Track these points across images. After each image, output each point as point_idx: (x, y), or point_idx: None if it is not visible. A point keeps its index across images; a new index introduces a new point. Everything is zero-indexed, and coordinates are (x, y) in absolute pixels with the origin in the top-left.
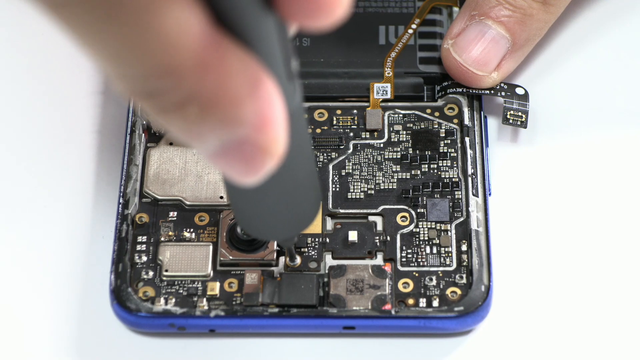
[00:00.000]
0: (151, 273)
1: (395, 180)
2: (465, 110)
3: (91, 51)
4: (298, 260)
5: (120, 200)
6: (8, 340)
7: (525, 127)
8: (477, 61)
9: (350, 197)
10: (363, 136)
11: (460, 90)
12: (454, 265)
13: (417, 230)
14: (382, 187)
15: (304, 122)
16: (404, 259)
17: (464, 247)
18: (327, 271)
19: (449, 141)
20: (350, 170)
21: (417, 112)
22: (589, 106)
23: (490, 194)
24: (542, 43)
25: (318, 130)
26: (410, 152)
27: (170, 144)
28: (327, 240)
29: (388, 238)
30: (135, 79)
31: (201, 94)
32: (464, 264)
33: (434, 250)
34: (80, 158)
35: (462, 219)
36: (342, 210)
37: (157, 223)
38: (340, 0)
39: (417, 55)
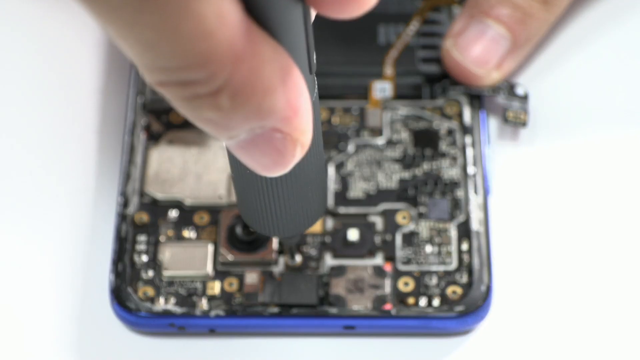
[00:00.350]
0: (151, 273)
1: (395, 180)
2: (466, 109)
3: (125, 42)
4: (298, 259)
5: (120, 200)
6: (8, 339)
7: (526, 127)
8: (477, 60)
9: (350, 196)
10: (363, 135)
11: (461, 89)
12: (455, 265)
13: (418, 229)
14: (382, 187)
15: (319, 117)
16: (404, 259)
17: (464, 247)
18: (327, 271)
19: (449, 140)
20: (350, 170)
21: (417, 111)
22: (589, 106)
23: (490, 193)
24: (543, 42)
25: None
26: (411, 151)
27: (170, 143)
28: (328, 239)
29: (388, 237)
30: (170, 70)
31: (234, 83)
32: (465, 263)
33: (434, 250)
34: (80, 158)
35: (462, 219)
36: (342, 210)
37: (157, 223)
38: None
39: (417, 54)
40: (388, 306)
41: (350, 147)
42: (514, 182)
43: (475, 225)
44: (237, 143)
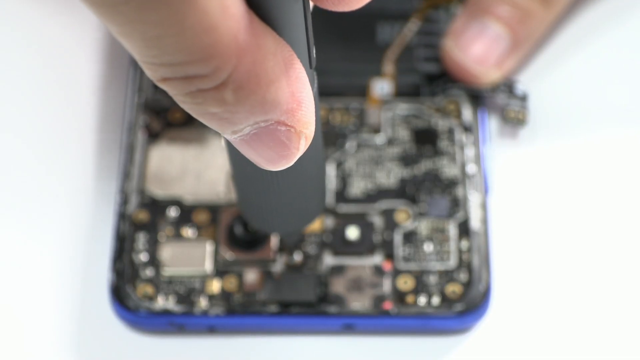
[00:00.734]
0: (150, 271)
1: (395, 178)
2: (465, 108)
3: (128, 39)
4: (298, 258)
5: (119, 199)
6: (8, 338)
7: (525, 126)
8: (477, 59)
9: (349, 194)
10: (362, 134)
11: (460, 88)
12: (454, 264)
13: (417, 228)
14: (381, 185)
15: (319, 112)
16: (403, 257)
17: (463, 245)
18: (326, 269)
19: (449, 139)
20: (350, 168)
21: (416, 110)
22: (589, 105)
23: (490, 192)
24: (543, 41)
25: None
26: (410, 149)
27: (170, 141)
28: (327, 238)
29: (388, 236)
30: (174, 65)
31: (239, 77)
32: (464, 262)
33: (434, 248)
34: (79, 156)
35: (462, 217)
36: (341, 208)
37: (156, 221)
38: None
39: (416, 53)
40: (387, 305)
41: (350, 146)
42: (513, 180)
43: (475, 224)
44: (241, 137)
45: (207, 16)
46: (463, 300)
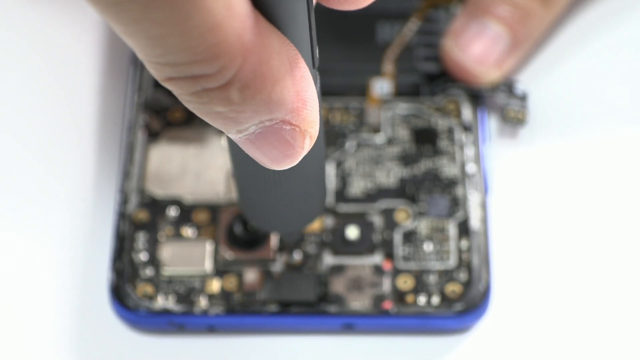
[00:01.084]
0: (150, 271)
1: (395, 178)
2: (465, 107)
3: (133, 39)
4: (297, 257)
5: (119, 198)
6: (7, 337)
7: (525, 125)
8: (477, 59)
9: (349, 194)
10: (362, 133)
11: (460, 87)
12: (454, 263)
13: (417, 227)
14: (381, 185)
15: (321, 112)
16: (403, 257)
17: (463, 245)
18: (326, 269)
19: (449, 138)
20: (349, 168)
21: (416, 109)
22: (588, 105)
23: (489, 192)
24: (543, 41)
25: None
26: (410, 149)
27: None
28: (327, 237)
29: (387, 236)
30: (179, 65)
31: (244, 76)
32: (464, 261)
33: (434, 248)
34: (79, 156)
35: (461, 217)
36: (341, 208)
37: (156, 221)
38: None
39: (416, 52)
40: (387, 304)
41: (349, 145)
42: (513, 180)
43: (475, 223)
44: (246, 137)
45: (212, 15)
46: (463, 300)
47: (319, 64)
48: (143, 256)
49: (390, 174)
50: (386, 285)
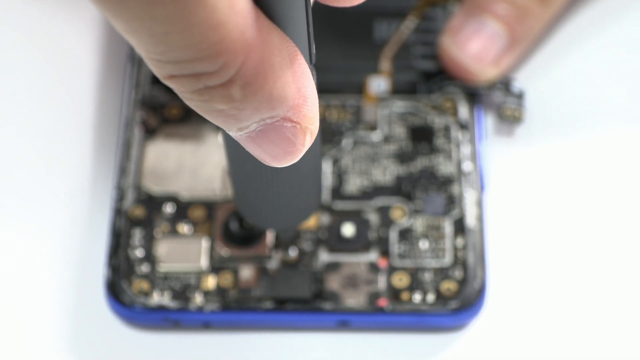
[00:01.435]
0: (146, 267)
1: (391, 175)
2: (462, 105)
3: (135, 36)
4: (293, 254)
5: (115, 195)
6: (3, 332)
7: (522, 124)
8: (474, 57)
9: (345, 192)
10: (358, 131)
11: (457, 85)
12: (449, 261)
13: (412, 225)
14: (377, 182)
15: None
16: (398, 254)
17: (459, 243)
18: (322, 266)
19: (445, 136)
20: (346, 165)
21: (413, 107)
22: (585, 103)
23: (485, 190)
24: (540, 39)
25: None
26: (406, 147)
27: (166, 138)
28: (322, 235)
29: (383, 233)
30: (181, 62)
31: (246, 73)
32: (459, 259)
33: (429, 246)
34: (76, 152)
35: (457, 215)
36: (337, 205)
37: (152, 217)
38: None
39: (413, 50)
40: (382, 302)
41: (346, 143)
42: (509, 178)
43: (470, 221)
44: (246, 134)
45: (215, 12)
46: (458, 298)
47: (315, 61)
48: (139, 252)
49: (386, 172)
50: (381, 282)
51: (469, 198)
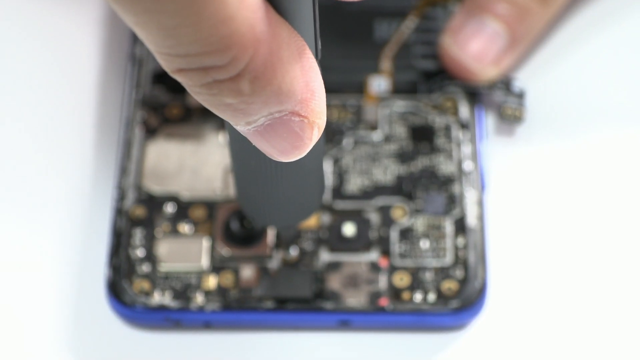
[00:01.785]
0: (147, 267)
1: (392, 175)
2: (462, 105)
3: (145, 30)
4: (294, 254)
5: (116, 195)
6: (4, 332)
7: (522, 123)
8: (475, 56)
9: (346, 191)
10: (359, 130)
11: (458, 85)
12: (450, 260)
13: (413, 224)
14: (378, 182)
15: None
16: (399, 254)
17: (460, 242)
18: (323, 266)
19: (446, 136)
20: (346, 165)
21: (413, 107)
22: (586, 103)
23: (486, 189)
24: (540, 39)
25: None
26: (407, 146)
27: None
28: (323, 234)
29: (384, 233)
30: (191, 56)
31: (255, 67)
32: (460, 259)
33: (430, 245)
34: (77, 152)
35: (458, 214)
36: (338, 205)
37: (153, 217)
38: None
39: (414, 50)
40: (383, 301)
41: (347, 142)
42: (510, 178)
43: (471, 221)
44: (254, 129)
45: (225, 6)
46: (459, 297)
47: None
48: (140, 252)
49: (387, 171)
50: (382, 282)
51: (470, 197)
